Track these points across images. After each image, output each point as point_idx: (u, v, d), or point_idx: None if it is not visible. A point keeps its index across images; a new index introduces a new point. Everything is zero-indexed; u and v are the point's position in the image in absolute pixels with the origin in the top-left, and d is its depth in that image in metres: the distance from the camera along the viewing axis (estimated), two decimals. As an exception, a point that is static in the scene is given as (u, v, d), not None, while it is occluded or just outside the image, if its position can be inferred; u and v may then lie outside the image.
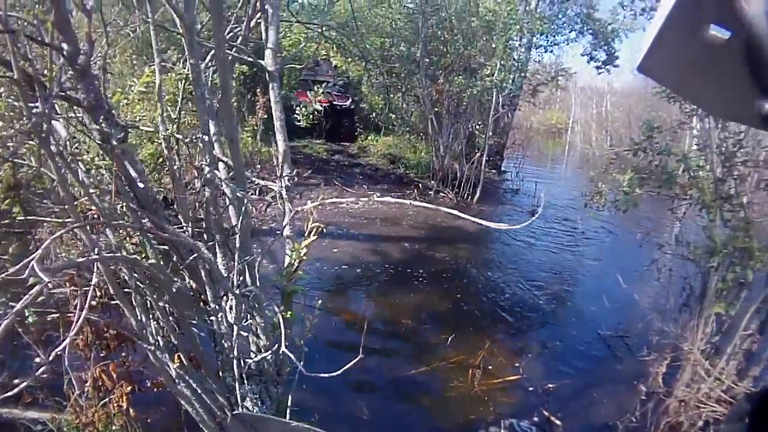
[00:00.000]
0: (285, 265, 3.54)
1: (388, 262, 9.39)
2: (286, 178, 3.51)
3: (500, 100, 13.91)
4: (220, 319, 3.15)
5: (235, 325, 3.07)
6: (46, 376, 2.28)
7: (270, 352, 3.17)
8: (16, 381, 3.06)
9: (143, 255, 3.10)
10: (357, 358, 2.61)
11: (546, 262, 10.15)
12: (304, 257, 3.56)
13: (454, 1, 14.48)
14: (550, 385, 5.97)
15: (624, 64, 20.18)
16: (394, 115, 17.85)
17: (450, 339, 6.79)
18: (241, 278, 3.15)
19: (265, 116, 12.65)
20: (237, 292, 3.00)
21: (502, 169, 18.02)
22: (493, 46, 13.28)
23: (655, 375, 5.71)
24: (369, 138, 18.63)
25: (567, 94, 33.66)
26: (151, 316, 3.07)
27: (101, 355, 3.64)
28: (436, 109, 14.72)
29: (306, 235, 3.53)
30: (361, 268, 9.03)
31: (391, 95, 17.78)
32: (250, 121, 13.43)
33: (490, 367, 6.23)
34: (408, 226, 11.64)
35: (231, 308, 3.12)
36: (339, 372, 2.63)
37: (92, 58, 2.29)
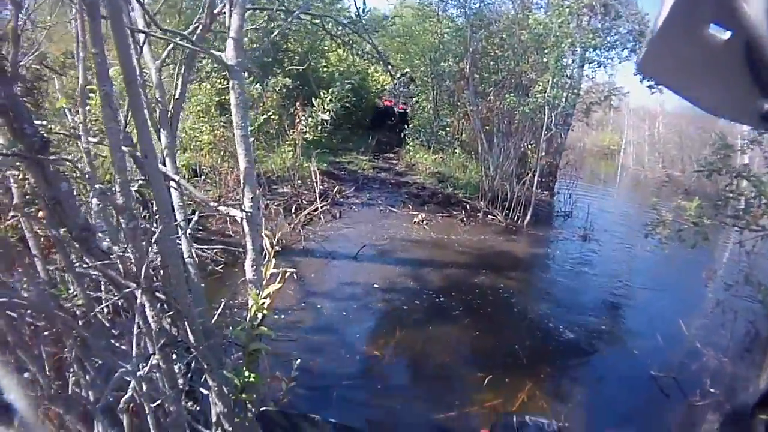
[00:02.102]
0: (246, 316, 3.00)
1: (426, 289, 8.81)
2: (249, 203, 2.90)
3: (553, 118, 13.24)
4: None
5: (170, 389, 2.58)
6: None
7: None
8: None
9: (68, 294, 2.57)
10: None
11: (597, 293, 9.60)
12: (266, 310, 3.03)
13: (504, 15, 14.04)
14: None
15: None
16: (443, 132, 17.39)
17: (487, 379, 6.20)
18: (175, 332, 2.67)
19: (306, 131, 12.33)
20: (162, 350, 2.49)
21: (555, 190, 17.26)
22: (545, 60, 12.84)
23: (709, 423, 5.31)
24: (418, 155, 17.93)
25: (620, 116, 33.01)
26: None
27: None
28: (486, 127, 14.22)
29: (265, 280, 3.08)
30: (396, 296, 8.49)
31: (441, 112, 17.38)
32: (291, 135, 12.99)
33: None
34: (453, 249, 10.95)
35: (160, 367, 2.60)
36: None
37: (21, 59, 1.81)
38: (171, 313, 2.63)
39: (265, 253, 3.08)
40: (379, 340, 7.17)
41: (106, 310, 2.68)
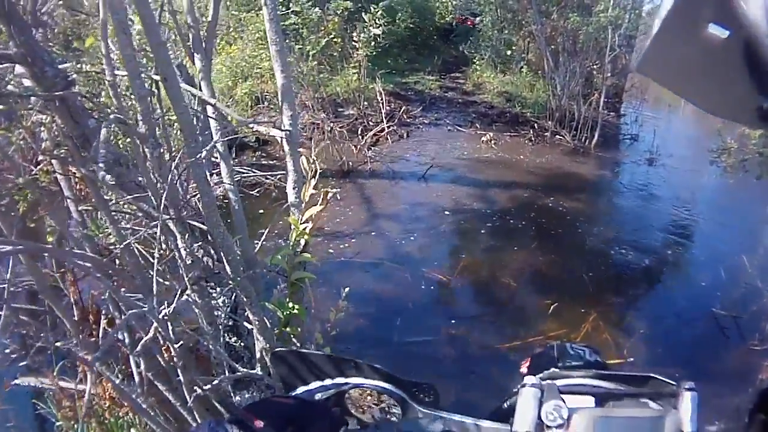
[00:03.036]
0: (288, 243, 2.83)
1: (493, 210, 8.80)
2: (288, 120, 2.81)
3: (616, 39, 12.81)
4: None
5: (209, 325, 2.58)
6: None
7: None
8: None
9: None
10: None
11: (663, 220, 9.28)
12: (308, 235, 2.85)
13: None
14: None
15: None
16: (510, 51, 16.98)
17: (552, 307, 6.21)
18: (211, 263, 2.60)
19: (359, 47, 12.16)
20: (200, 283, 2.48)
21: (621, 112, 16.80)
22: None
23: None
24: (485, 74, 17.55)
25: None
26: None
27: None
28: (552, 47, 13.84)
29: (303, 203, 2.86)
30: (463, 217, 8.53)
31: (506, 31, 16.96)
32: (355, 57, 12.83)
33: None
34: (521, 170, 10.82)
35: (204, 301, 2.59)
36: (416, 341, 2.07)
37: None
38: (202, 243, 2.56)
39: (307, 174, 2.86)
40: (446, 264, 7.23)
41: (140, 247, 2.60)
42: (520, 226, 8.36)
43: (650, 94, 16.33)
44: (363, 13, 12.50)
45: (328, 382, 1.77)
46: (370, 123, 12.18)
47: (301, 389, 1.80)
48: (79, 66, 2.15)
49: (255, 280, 2.74)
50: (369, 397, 1.82)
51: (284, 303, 2.70)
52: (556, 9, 13.68)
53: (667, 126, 17.10)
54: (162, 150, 2.27)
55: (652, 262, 7.76)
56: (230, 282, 2.54)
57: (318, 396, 1.79)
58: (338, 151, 9.97)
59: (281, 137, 2.84)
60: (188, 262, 2.45)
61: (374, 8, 12.19)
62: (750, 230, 8.70)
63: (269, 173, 8.31)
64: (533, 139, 12.82)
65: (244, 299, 2.56)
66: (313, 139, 10.30)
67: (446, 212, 8.61)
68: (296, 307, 2.73)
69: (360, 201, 8.90)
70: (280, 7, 12.49)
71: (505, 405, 1.54)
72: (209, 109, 2.82)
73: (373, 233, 7.84)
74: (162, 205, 2.04)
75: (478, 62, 17.70)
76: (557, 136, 13.12)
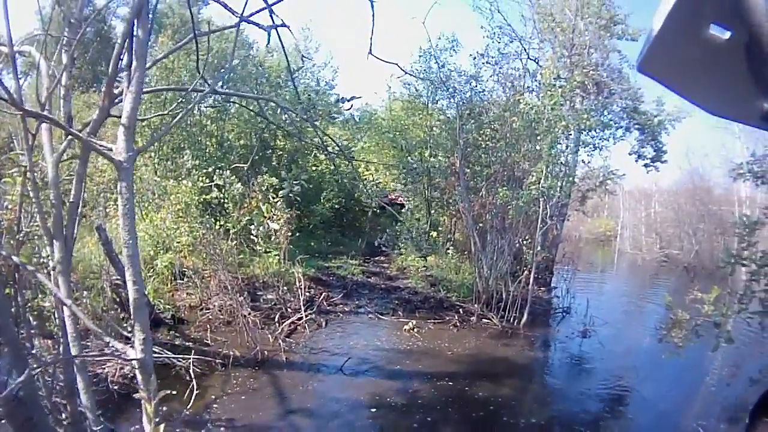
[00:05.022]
0: None
1: (419, 405, 8.17)
2: (140, 345, 2.29)
3: (548, 210, 12.88)
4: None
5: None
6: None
7: None
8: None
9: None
10: None
11: (601, 394, 9.02)
12: None
13: (495, 103, 14.17)
14: None
15: (672, 159, 19.83)
16: (435, 233, 17.10)
17: None
18: None
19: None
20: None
21: (551, 285, 16.80)
22: (538, 148, 12.74)
23: None
24: (409, 258, 17.55)
25: (615, 200, 33.41)
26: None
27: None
28: (479, 225, 13.87)
29: None
30: (387, 413, 7.89)
31: (433, 211, 17.12)
32: (276, 238, 12.53)
33: None
34: (445, 359, 10.34)
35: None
36: None
37: None
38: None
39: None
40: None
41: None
42: (446, 420, 7.70)
43: (581, 262, 16.53)
44: (259, 204, 12.25)
45: None
46: (289, 309, 11.75)
47: None
48: None
49: None
50: None
51: None
52: (485, 184, 13.75)
53: (600, 294, 17.30)
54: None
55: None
56: None
57: None
58: (252, 339, 9.62)
59: (134, 366, 2.35)
60: None
61: (272, 198, 11.83)
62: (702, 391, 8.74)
63: (181, 356, 7.88)
64: (458, 324, 12.49)
65: None
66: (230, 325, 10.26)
67: (365, 408, 7.91)
68: None
69: (274, 393, 8.22)
70: (204, 179, 12.36)
71: None
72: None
73: (286, 430, 7.17)
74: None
75: (403, 246, 17.68)
76: (484, 319, 12.84)
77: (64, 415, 3.37)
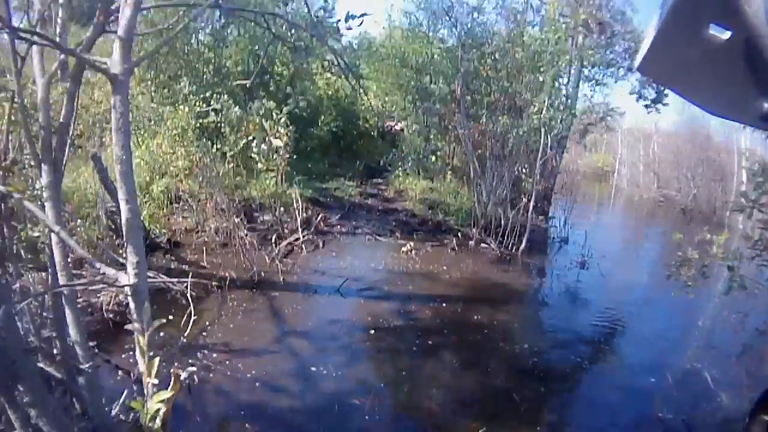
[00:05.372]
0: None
1: (416, 327, 8.21)
2: (133, 270, 2.15)
3: (548, 141, 12.71)
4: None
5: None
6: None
7: None
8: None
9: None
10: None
11: (599, 326, 8.98)
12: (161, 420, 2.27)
13: (497, 34, 13.89)
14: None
15: (672, 103, 19.54)
16: (434, 157, 16.89)
17: (481, 431, 5.48)
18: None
19: (259, 159, 11.69)
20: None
21: (550, 215, 16.79)
22: (541, 80, 12.55)
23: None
24: (407, 181, 17.51)
25: (614, 137, 33.04)
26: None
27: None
28: (479, 151, 13.71)
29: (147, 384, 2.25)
30: (384, 335, 7.91)
31: (432, 136, 16.91)
32: (275, 160, 12.24)
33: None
34: (444, 282, 10.36)
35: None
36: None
37: None
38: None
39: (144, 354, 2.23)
40: (361, 385, 6.54)
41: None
42: (443, 343, 7.73)
43: (580, 194, 16.46)
44: (263, 120, 12.00)
45: None
46: (286, 231, 11.71)
47: None
48: None
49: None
50: None
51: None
52: (486, 112, 13.57)
53: (598, 227, 17.27)
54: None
55: (590, 373, 7.50)
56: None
57: None
58: (249, 260, 9.52)
59: (127, 292, 2.25)
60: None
61: (276, 114, 11.57)
62: (696, 320, 8.93)
63: (177, 280, 7.78)
64: (456, 248, 12.46)
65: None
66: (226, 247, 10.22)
67: (362, 329, 7.99)
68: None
69: (270, 315, 8.20)
70: (201, 104, 12.12)
71: None
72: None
73: (282, 352, 7.12)
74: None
75: (405, 168, 17.66)
76: (482, 244, 12.82)
77: (55, 351, 3.26)
